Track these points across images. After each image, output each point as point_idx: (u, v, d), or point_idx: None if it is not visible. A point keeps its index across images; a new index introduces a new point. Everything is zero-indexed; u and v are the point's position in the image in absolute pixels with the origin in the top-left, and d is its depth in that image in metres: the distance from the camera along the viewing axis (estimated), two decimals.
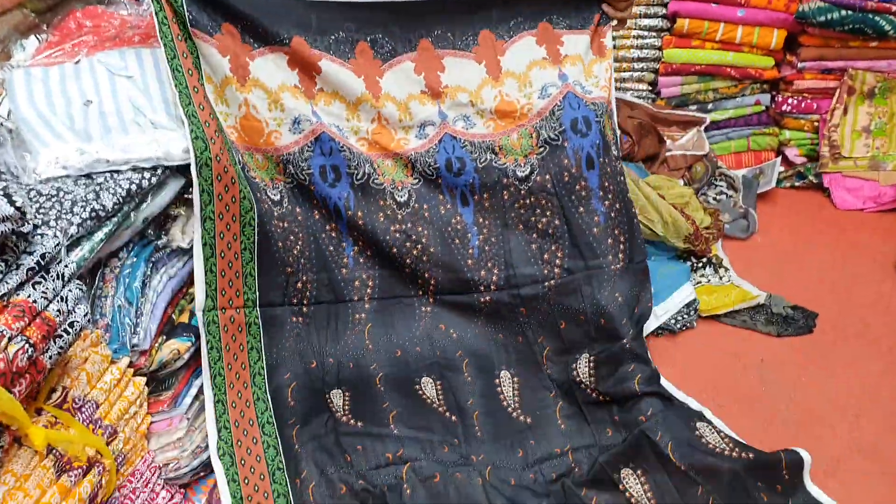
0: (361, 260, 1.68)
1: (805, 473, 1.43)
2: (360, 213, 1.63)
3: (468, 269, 1.70)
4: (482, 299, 1.70)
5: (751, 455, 1.45)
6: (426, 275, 1.68)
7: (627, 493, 1.46)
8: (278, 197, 1.62)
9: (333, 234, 1.67)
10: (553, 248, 1.71)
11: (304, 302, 1.65)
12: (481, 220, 1.71)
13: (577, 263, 1.70)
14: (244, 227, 1.54)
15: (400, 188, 1.67)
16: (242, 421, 1.45)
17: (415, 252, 1.66)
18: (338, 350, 1.65)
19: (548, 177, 1.68)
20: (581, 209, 1.70)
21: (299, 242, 1.63)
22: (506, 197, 1.70)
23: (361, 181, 1.63)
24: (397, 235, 1.65)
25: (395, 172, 1.67)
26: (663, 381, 1.66)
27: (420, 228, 1.67)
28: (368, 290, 1.69)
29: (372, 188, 1.65)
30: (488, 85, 1.69)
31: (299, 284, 1.64)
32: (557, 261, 1.71)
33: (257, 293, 1.59)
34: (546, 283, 1.70)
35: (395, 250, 1.65)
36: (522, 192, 1.69)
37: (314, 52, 1.58)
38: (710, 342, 1.88)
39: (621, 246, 1.72)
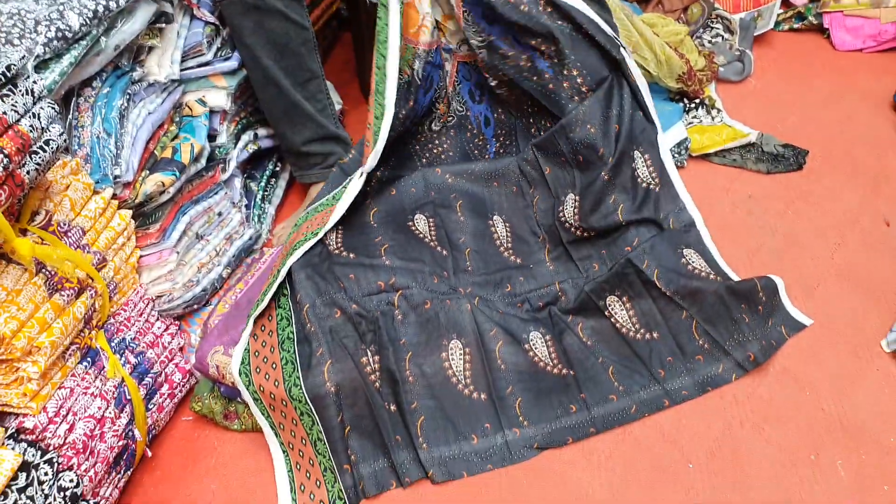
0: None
1: (782, 296, 1.46)
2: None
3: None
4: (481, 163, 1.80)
5: (730, 281, 1.49)
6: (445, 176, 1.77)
7: (613, 319, 1.50)
8: None
9: None
10: (532, 121, 1.79)
11: None
12: (499, 131, 1.82)
13: (553, 122, 1.72)
14: None
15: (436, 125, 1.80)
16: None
17: (436, 151, 1.79)
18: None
19: (497, 64, 1.71)
20: (533, 77, 1.70)
21: None
22: (504, 99, 1.80)
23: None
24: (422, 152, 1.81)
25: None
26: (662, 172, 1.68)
27: (445, 145, 1.81)
28: (378, 175, 1.71)
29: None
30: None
31: None
32: (543, 131, 1.76)
33: None
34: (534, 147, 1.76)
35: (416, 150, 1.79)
36: (504, 94, 1.78)
37: None
38: (700, 180, 1.87)
39: (579, 79, 1.66)
